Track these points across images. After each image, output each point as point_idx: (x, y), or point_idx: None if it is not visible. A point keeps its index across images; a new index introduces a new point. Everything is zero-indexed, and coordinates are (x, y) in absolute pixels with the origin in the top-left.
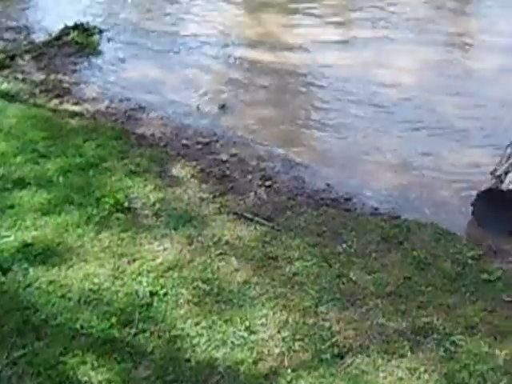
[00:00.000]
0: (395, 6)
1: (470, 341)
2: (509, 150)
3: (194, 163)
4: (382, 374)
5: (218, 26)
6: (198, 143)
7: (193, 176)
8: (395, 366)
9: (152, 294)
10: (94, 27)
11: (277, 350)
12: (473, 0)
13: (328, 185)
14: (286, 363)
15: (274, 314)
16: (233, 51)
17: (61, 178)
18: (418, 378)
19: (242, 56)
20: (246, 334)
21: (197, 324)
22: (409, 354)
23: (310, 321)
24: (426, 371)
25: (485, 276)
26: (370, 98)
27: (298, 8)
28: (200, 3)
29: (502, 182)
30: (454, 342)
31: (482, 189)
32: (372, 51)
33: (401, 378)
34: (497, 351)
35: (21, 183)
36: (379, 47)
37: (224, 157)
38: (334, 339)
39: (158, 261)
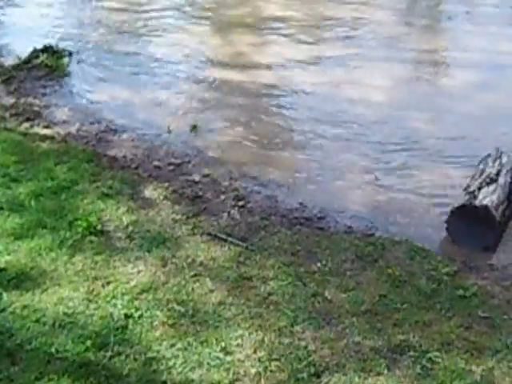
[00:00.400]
0: (366, 24)
1: (446, 357)
2: (481, 166)
3: (167, 184)
4: None
5: (188, 47)
6: (170, 164)
7: (165, 197)
8: None
9: (127, 316)
10: (64, 50)
11: (253, 371)
12: (443, 18)
13: (301, 204)
14: (262, 383)
15: (249, 334)
16: (203, 72)
17: (33, 202)
18: None
19: (213, 76)
20: (221, 355)
21: (172, 346)
22: (385, 371)
23: (286, 340)
24: None
25: (460, 292)
26: (342, 116)
27: (267, 28)
28: (170, 25)
29: (475, 197)
30: (430, 358)
31: (456, 205)
32: (343, 69)
33: None
34: (473, 367)
35: None
36: (350, 65)
37: (196, 177)
38: (310, 358)
39: (133, 283)
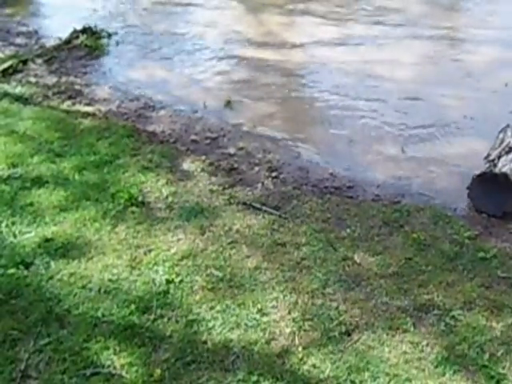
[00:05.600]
0: (391, 4)
1: (468, 315)
2: (501, 136)
3: (204, 157)
4: (387, 349)
5: (221, 27)
6: (207, 138)
7: (202, 170)
8: (399, 341)
9: (168, 281)
10: (102, 30)
11: (288, 330)
12: None
13: (331, 174)
14: (296, 342)
15: (284, 296)
16: (237, 50)
17: (77, 176)
18: (421, 351)
19: (245, 55)
20: (258, 316)
21: (212, 308)
22: (412, 329)
23: (318, 302)
24: (428, 345)
25: (481, 254)
26: (368, 91)
27: (296, 8)
28: (204, 6)
29: (495, 165)
30: (453, 316)
31: (477, 173)
32: (371, 47)
33: (405, 352)
34: (494, 324)
35: (38, 182)
36: (376, 43)
37: (232, 150)
38: (341, 318)
39: (173, 250)
